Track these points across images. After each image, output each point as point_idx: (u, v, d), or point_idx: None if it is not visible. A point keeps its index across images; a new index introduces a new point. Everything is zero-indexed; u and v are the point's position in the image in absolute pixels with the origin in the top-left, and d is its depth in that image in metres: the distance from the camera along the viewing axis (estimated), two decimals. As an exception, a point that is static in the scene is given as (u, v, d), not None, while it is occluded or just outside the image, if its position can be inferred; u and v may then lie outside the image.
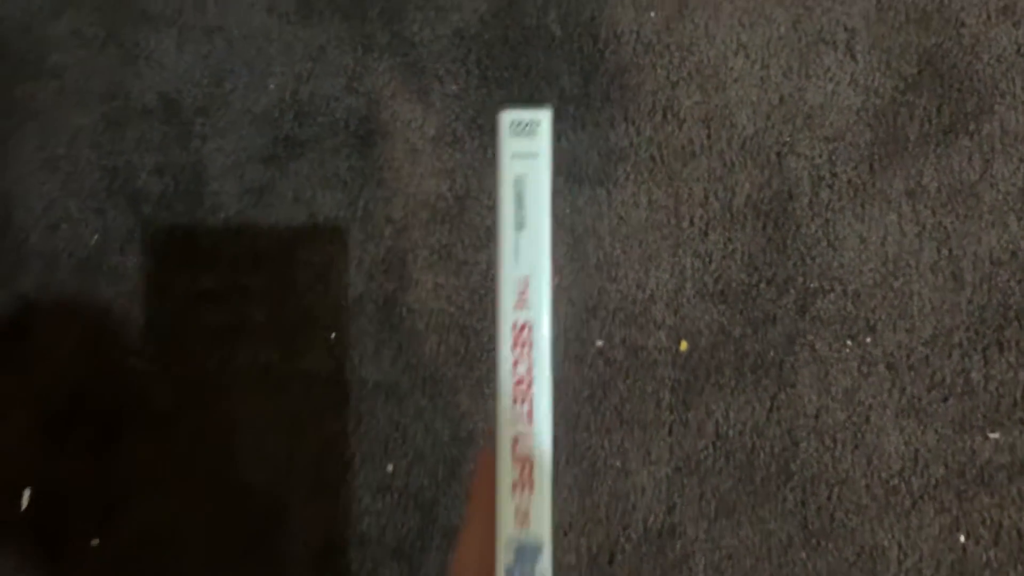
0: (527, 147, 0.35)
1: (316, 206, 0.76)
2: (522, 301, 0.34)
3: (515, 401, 0.34)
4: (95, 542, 0.73)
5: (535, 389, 0.34)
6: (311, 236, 0.76)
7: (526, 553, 0.32)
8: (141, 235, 0.76)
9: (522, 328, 0.34)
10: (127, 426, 0.74)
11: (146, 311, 0.75)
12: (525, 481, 0.33)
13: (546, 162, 0.35)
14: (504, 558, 0.32)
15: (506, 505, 0.33)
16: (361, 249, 0.75)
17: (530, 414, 0.34)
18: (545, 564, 0.33)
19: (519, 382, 0.34)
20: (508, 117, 0.35)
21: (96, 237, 0.75)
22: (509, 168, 0.35)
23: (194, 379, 0.74)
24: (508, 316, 0.34)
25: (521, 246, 0.35)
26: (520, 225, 0.35)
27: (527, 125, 0.35)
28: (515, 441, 0.33)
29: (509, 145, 0.35)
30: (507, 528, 0.33)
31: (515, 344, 0.34)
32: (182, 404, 0.74)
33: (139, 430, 0.74)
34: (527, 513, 0.33)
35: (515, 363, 0.34)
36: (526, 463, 0.33)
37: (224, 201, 0.76)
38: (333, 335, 0.75)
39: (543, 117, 0.35)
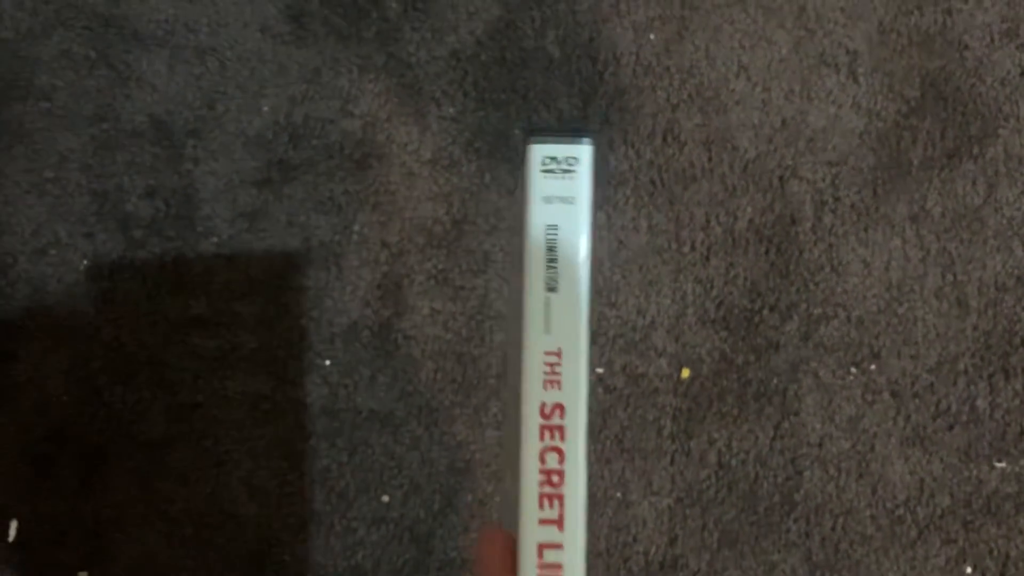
0: (563, 189, 0.28)
1: (310, 230, 0.74)
2: (553, 379, 0.27)
3: (543, 501, 0.27)
4: (83, 574, 0.71)
5: (567, 488, 0.27)
6: (305, 261, 0.74)
7: None
8: (131, 260, 0.74)
9: (552, 411, 0.27)
10: (116, 456, 0.72)
11: (136, 338, 0.73)
12: None
13: (585, 209, 0.28)
14: None
15: None
16: (356, 274, 0.74)
17: (561, 519, 0.27)
18: None
19: (548, 479, 0.27)
20: (539, 151, 0.28)
21: (85, 262, 0.74)
22: (539, 215, 0.28)
23: (184, 408, 0.73)
24: (535, 396, 0.27)
25: (553, 312, 0.28)
26: (552, 286, 0.28)
27: (563, 162, 0.28)
28: (541, 550, 0.26)
29: (539, 186, 0.28)
30: None
31: (543, 431, 0.27)
32: (172, 433, 0.72)
33: (128, 460, 0.72)
34: None
35: (543, 454, 0.27)
36: None
37: (216, 225, 0.74)
38: (327, 362, 0.73)
39: (583, 153, 0.28)
